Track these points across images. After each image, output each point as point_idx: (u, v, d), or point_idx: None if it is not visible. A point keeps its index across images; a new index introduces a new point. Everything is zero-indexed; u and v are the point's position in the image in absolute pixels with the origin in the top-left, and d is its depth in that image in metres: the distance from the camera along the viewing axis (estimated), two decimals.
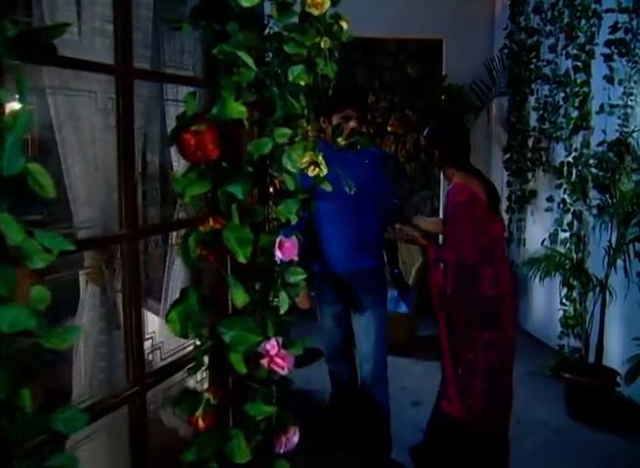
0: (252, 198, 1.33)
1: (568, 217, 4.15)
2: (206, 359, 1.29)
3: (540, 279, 3.81)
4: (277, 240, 1.31)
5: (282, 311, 1.35)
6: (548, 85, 4.59)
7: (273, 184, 1.48)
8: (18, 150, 0.71)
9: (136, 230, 1.24)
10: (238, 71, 1.16)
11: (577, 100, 4.11)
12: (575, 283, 3.84)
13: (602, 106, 3.80)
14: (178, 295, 1.21)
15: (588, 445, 3.24)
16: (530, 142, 4.88)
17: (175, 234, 1.98)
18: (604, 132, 3.76)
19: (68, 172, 1.41)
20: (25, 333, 0.75)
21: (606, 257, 3.57)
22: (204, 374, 1.40)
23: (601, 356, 3.59)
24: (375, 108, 5.55)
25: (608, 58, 3.72)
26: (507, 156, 5.16)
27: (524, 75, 4.91)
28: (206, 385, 1.38)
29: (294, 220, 1.36)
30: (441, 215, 4.75)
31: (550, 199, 4.47)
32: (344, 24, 1.39)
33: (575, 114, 4.15)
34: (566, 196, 4.18)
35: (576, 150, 4.14)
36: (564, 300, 3.98)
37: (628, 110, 3.66)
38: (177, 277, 2.08)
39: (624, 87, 3.67)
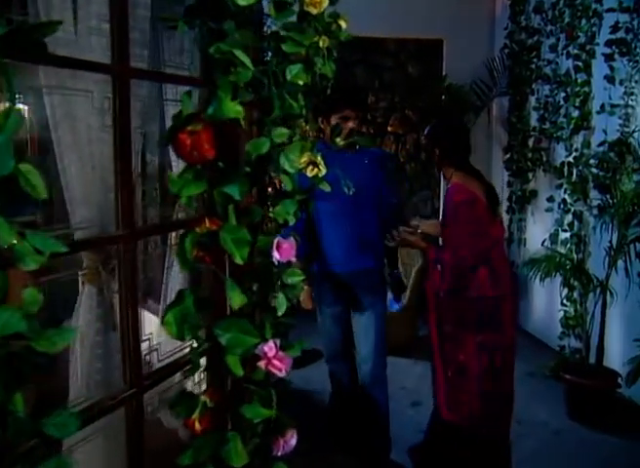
0: (250, 198, 1.32)
1: (568, 218, 4.14)
2: (203, 361, 1.28)
3: (541, 279, 3.80)
4: (275, 241, 1.30)
5: (280, 313, 1.34)
6: (549, 85, 4.58)
7: (273, 185, 1.47)
8: (8, 151, 0.70)
9: (132, 231, 1.23)
10: (235, 70, 1.14)
11: (577, 100, 4.10)
12: (575, 283, 3.83)
13: (603, 106, 3.79)
14: None
15: (588, 446, 3.23)
16: (530, 142, 4.87)
17: (174, 234, 1.97)
18: (605, 132, 3.75)
19: (65, 172, 1.40)
20: (17, 336, 0.74)
21: (607, 258, 3.56)
22: (202, 376, 1.40)
23: (602, 357, 3.57)
24: (375, 108, 5.54)
25: (609, 57, 3.71)
26: (508, 156, 5.15)
27: (524, 75, 4.90)
28: (203, 387, 1.37)
29: (291, 221, 1.35)
30: (440, 216, 4.73)
31: (551, 199, 4.45)
32: (343, 24, 1.38)
33: (575, 114, 4.14)
34: (566, 196, 4.17)
35: (576, 150, 4.13)
36: (564, 301, 3.97)
37: (629, 110, 3.65)
38: (176, 278, 2.07)
39: (625, 87, 3.67)
